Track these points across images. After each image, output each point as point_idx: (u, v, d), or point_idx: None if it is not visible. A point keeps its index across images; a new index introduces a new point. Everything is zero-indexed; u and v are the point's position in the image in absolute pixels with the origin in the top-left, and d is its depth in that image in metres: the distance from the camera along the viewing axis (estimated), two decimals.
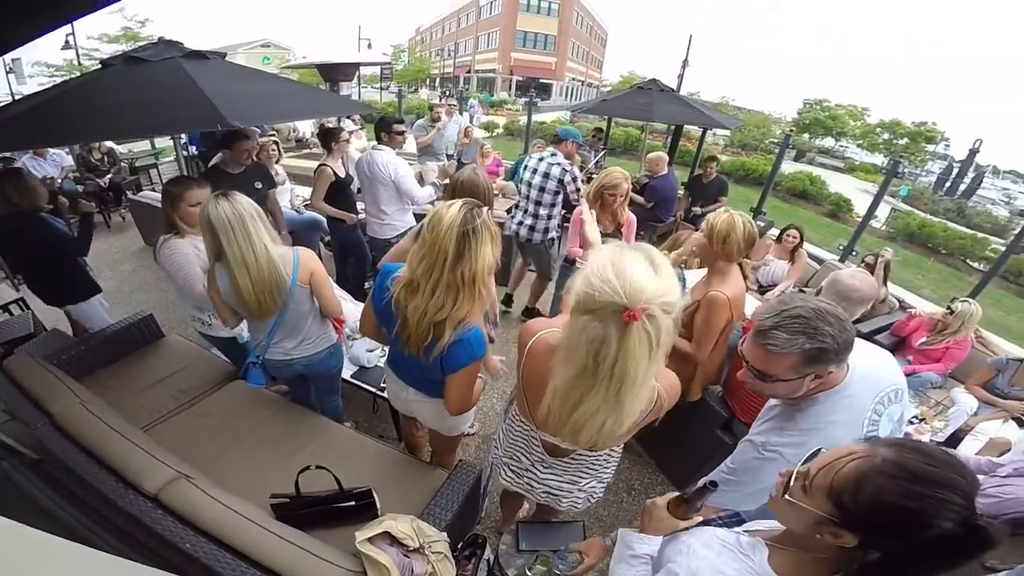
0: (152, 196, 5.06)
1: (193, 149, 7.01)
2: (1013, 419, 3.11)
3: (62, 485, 1.60)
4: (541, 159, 3.59)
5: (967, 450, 2.91)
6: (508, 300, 4.38)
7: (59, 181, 5.34)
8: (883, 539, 0.73)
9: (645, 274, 0.95)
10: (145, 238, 5.14)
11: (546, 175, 3.52)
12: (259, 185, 3.35)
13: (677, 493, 1.14)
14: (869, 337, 3.63)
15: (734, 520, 1.44)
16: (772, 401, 1.39)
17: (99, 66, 2.60)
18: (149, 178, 7.02)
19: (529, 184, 3.60)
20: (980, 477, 2.36)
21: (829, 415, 1.22)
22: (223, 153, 3.20)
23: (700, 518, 1.13)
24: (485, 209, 1.44)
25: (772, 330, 1.13)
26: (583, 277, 1.00)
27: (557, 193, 3.57)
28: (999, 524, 0.66)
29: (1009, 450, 2.82)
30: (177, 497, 1.55)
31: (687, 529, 1.06)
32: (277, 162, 4.31)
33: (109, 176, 5.82)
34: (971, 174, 23.80)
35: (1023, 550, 2.49)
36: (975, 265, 10.45)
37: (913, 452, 0.71)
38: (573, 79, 49.38)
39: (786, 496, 0.81)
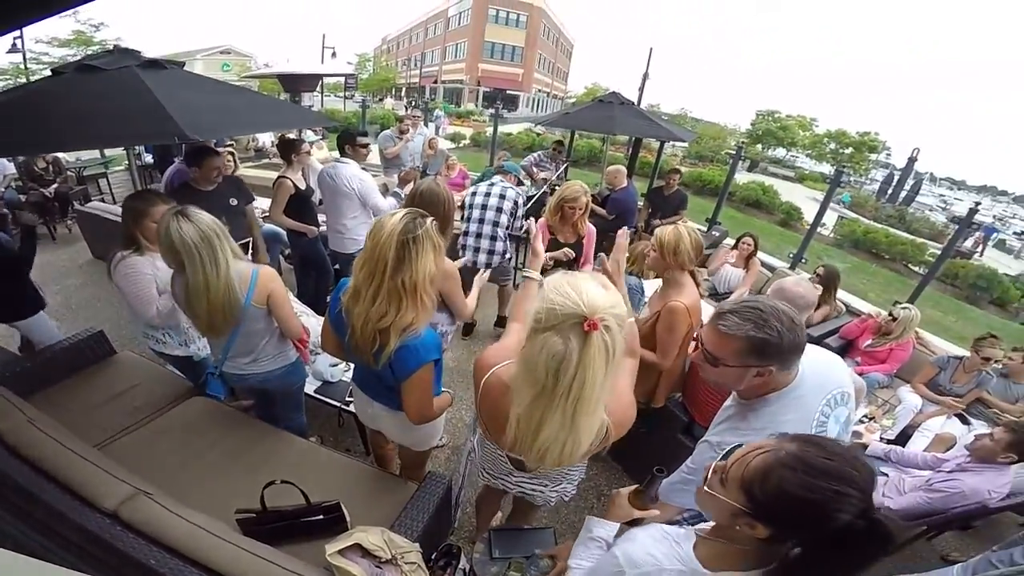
0: (102, 207, 4.82)
1: (149, 158, 6.79)
2: (956, 415, 3.33)
3: (11, 503, 1.52)
4: (493, 184, 3.59)
5: (916, 446, 3.06)
6: (469, 329, 4.29)
7: (0, 191, 5.05)
8: (790, 530, 0.79)
9: (597, 290, 1.03)
10: (93, 251, 4.87)
11: (502, 196, 3.52)
12: (234, 201, 3.19)
13: (636, 485, 1.22)
14: (819, 340, 3.83)
15: (696, 519, 1.52)
16: (728, 403, 1.46)
17: (48, 73, 2.51)
18: (98, 188, 6.69)
19: (484, 207, 3.53)
20: (926, 473, 2.50)
21: (781, 415, 1.28)
22: (192, 170, 3.06)
23: (657, 512, 1.21)
24: (429, 219, 1.47)
25: (727, 313, 1.21)
26: (541, 297, 1.05)
27: (513, 214, 3.58)
28: (897, 520, 0.73)
29: (954, 445, 2.97)
30: (137, 513, 1.50)
31: (642, 523, 1.14)
32: (233, 173, 4.22)
33: (55, 186, 5.52)
34: (910, 182, 25.46)
35: (976, 542, 2.68)
36: (915, 269, 11.10)
37: (813, 447, 0.77)
38: (539, 90, 50.12)
39: (705, 487, 0.87)
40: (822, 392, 1.31)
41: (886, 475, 2.58)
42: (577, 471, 1.67)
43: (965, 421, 3.31)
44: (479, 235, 3.57)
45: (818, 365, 1.34)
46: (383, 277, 1.38)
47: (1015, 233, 29.90)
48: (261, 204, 4.44)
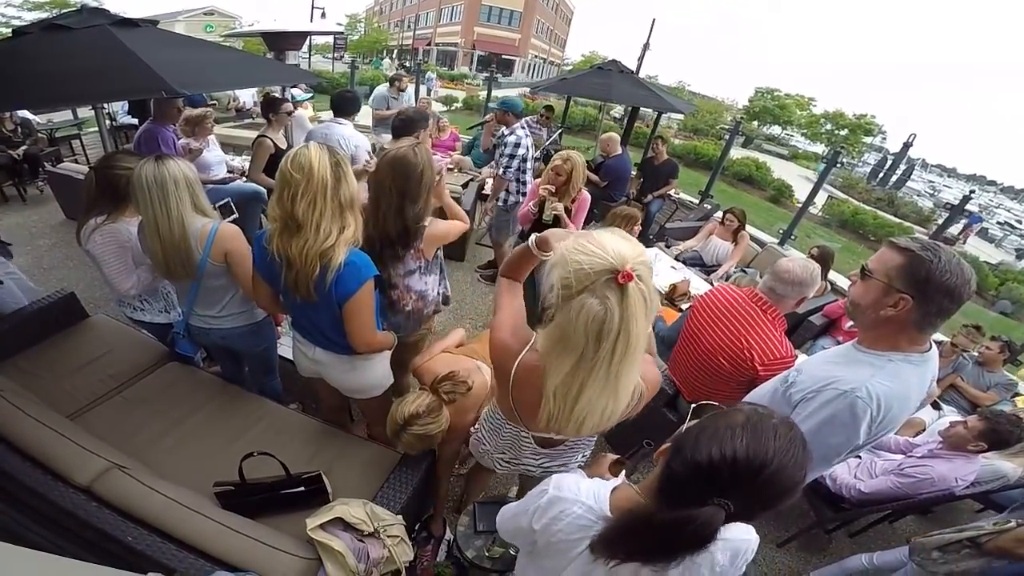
0: (75, 168, 4.64)
1: (126, 118, 6.56)
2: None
3: None
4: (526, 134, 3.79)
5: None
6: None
7: None
8: (674, 457, 0.80)
9: (620, 241, 0.96)
10: (67, 212, 4.74)
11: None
12: None
13: (621, 456, 1.26)
14: (803, 318, 3.86)
15: None
16: (838, 348, 1.44)
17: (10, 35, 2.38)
18: (71, 149, 6.45)
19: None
20: (898, 456, 2.53)
21: (914, 378, 1.24)
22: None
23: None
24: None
25: (907, 240, 1.20)
26: (561, 264, 0.97)
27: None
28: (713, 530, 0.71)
29: (924, 430, 3.02)
30: (112, 489, 1.47)
31: None
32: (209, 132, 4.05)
33: (24, 148, 5.30)
34: (903, 167, 25.51)
35: (935, 527, 2.77)
36: None
37: (784, 426, 0.75)
38: (536, 56, 48.86)
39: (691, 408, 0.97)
40: (930, 379, 1.28)
41: (859, 457, 2.63)
42: (593, 440, 1.59)
43: (936, 406, 3.35)
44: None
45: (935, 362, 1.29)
46: (325, 199, 1.45)
47: (998, 222, 30.34)
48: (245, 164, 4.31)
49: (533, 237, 1.02)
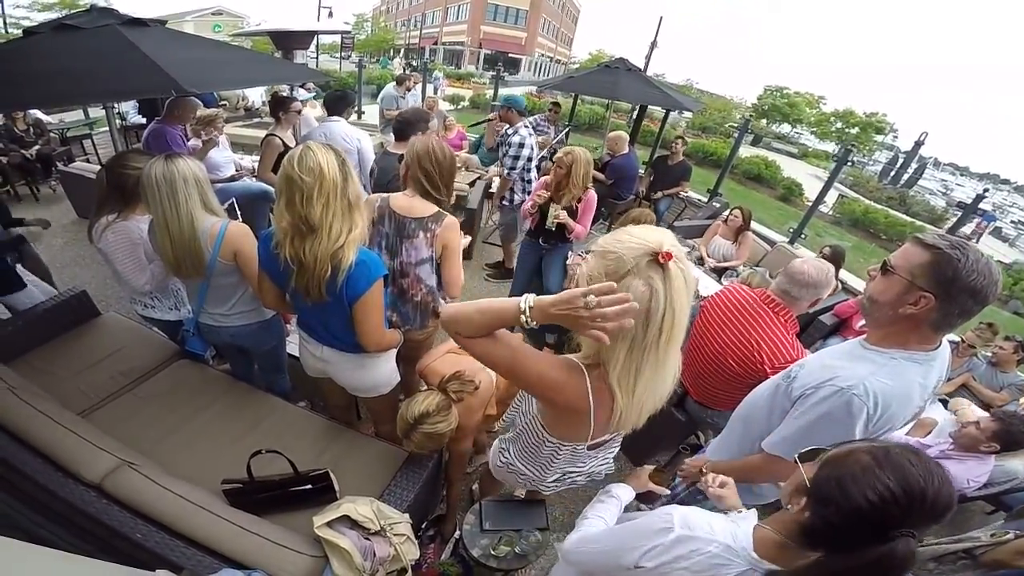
0: (86, 167, 4.70)
1: (136, 117, 6.63)
2: (939, 400, 3.33)
3: None
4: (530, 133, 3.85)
5: (900, 429, 3.06)
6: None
7: None
8: (829, 519, 0.77)
9: (650, 229, 0.98)
10: (78, 211, 4.80)
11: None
12: None
13: (654, 466, 1.25)
14: (814, 317, 3.82)
15: (690, 498, 1.50)
16: (844, 345, 1.40)
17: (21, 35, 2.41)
18: (83, 149, 6.53)
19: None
20: None
21: (917, 376, 1.22)
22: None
23: (667, 491, 1.25)
24: None
25: (934, 236, 1.16)
26: (600, 255, 0.98)
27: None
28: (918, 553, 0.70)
29: (934, 430, 2.96)
30: (122, 486, 1.48)
31: (652, 497, 1.21)
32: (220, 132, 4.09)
33: (36, 147, 5.38)
34: (914, 165, 25.21)
35: (945, 529, 2.74)
36: None
37: (913, 455, 0.74)
38: (542, 55, 48.81)
39: (800, 452, 0.91)
40: (938, 375, 1.25)
41: None
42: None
43: (947, 406, 3.29)
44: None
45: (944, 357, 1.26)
46: (337, 200, 1.45)
47: (1012, 221, 29.84)
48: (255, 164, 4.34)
49: (531, 304, 0.94)
